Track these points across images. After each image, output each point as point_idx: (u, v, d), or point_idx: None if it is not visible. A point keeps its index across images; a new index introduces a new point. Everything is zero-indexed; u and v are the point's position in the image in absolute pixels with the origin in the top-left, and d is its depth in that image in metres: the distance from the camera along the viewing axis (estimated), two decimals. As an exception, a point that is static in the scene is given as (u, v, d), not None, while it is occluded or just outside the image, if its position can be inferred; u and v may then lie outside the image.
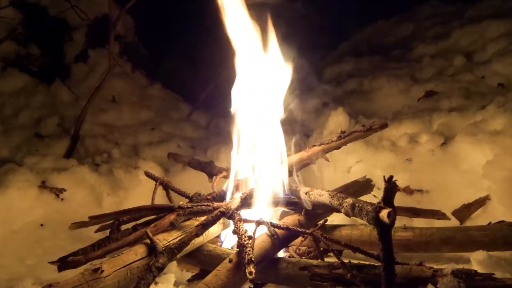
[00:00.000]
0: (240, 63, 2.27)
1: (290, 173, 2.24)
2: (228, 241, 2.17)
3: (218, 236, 2.20)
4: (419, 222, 2.28)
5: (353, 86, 4.56)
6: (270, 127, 2.24)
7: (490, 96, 3.30)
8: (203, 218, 1.83)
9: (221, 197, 2.26)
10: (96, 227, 2.05)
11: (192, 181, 3.15)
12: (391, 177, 1.22)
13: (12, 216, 2.74)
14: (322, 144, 2.46)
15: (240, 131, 2.29)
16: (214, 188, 2.40)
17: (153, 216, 2.02)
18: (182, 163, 3.24)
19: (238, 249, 1.69)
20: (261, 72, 2.24)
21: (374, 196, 2.36)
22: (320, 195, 1.86)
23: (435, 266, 1.51)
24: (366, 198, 2.20)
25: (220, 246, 2.15)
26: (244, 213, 2.01)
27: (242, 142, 2.29)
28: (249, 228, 1.82)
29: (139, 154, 3.92)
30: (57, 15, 4.82)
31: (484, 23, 4.47)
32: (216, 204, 2.03)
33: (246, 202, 2.04)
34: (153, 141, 4.18)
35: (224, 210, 1.87)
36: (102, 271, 1.47)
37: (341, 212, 1.62)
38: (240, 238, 1.72)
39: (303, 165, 2.52)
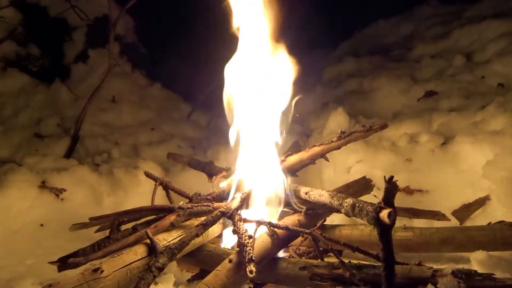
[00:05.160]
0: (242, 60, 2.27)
1: (290, 173, 2.24)
2: (228, 241, 2.17)
3: (219, 236, 2.20)
4: (419, 222, 2.29)
5: (353, 86, 4.55)
6: (269, 127, 2.24)
7: (490, 96, 3.30)
8: (203, 218, 1.83)
9: (221, 197, 2.26)
10: (97, 227, 2.05)
11: (192, 181, 3.15)
12: (392, 177, 1.22)
13: (12, 216, 2.74)
14: (322, 144, 2.46)
15: (240, 131, 2.29)
16: (214, 188, 2.40)
17: (153, 216, 2.02)
18: (182, 163, 3.24)
19: (238, 249, 1.69)
20: (262, 71, 2.24)
21: (375, 196, 2.36)
22: (320, 195, 1.86)
23: (435, 266, 1.51)
24: (366, 198, 2.20)
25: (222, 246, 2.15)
26: (244, 213, 2.01)
27: (242, 143, 2.29)
28: (249, 228, 1.82)
29: (139, 154, 3.92)
30: (57, 15, 4.83)
31: (484, 23, 4.47)
32: (216, 204, 2.03)
33: (246, 202, 2.04)
34: (153, 141, 4.19)
35: (224, 210, 1.86)
36: (102, 271, 1.46)
37: (341, 212, 1.62)
38: (240, 238, 1.72)
39: (303, 165, 2.52)
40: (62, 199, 3.01)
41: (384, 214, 1.22)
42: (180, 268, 2.10)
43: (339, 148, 2.48)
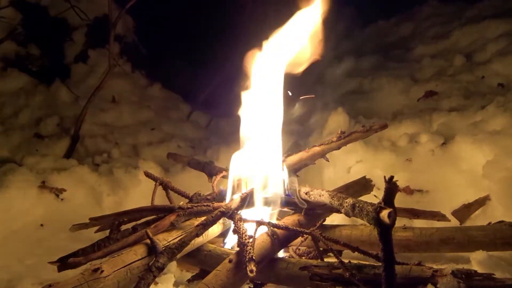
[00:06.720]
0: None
1: (291, 173, 2.24)
2: (228, 242, 2.17)
3: (220, 236, 2.19)
4: (419, 222, 2.28)
5: (353, 86, 4.55)
6: (271, 127, 2.24)
7: (490, 96, 3.30)
8: (203, 218, 1.83)
9: (221, 197, 2.26)
10: (97, 227, 2.05)
11: (192, 181, 3.15)
12: (392, 177, 1.22)
13: (12, 216, 2.74)
14: (322, 144, 2.46)
15: (242, 131, 2.29)
16: (214, 188, 2.40)
17: (153, 216, 2.02)
18: (182, 163, 3.24)
19: (238, 249, 1.69)
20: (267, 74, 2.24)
21: (375, 196, 2.36)
22: (320, 195, 1.86)
23: (435, 266, 1.51)
24: (366, 198, 2.20)
25: (223, 246, 2.15)
26: (244, 213, 2.01)
27: (243, 142, 2.29)
28: (249, 228, 1.82)
29: (139, 154, 3.92)
30: (57, 15, 4.83)
31: (484, 23, 4.47)
32: (216, 204, 2.03)
33: (246, 202, 2.04)
34: (153, 141, 4.19)
35: (224, 210, 1.86)
36: (102, 271, 1.46)
37: (341, 213, 1.62)
38: (240, 237, 1.72)
39: (303, 165, 2.52)
40: (62, 199, 3.01)
41: (384, 214, 1.22)
42: (180, 268, 2.10)
43: (339, 148, 2.49)
